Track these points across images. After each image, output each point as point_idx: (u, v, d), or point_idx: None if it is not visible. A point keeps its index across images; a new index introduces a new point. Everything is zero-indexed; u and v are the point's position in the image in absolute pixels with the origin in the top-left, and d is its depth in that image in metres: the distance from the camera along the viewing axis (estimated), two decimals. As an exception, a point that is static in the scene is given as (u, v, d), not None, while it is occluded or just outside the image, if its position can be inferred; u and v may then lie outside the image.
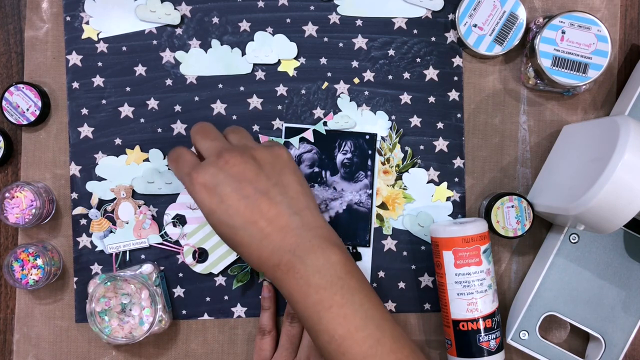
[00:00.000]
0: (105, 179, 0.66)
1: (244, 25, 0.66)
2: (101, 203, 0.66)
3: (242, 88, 0.66)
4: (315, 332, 0.51)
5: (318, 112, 0.66)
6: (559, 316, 0.63)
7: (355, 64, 0.66)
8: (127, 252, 0.66)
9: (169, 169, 0.65)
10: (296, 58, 0.66)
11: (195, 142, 0.56)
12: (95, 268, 0.66)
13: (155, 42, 0.66)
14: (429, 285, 0.66)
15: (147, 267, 0.64)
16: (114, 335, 0.61)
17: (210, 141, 0.55)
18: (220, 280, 0.66)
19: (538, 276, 0.63)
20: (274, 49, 0.66)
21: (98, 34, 0.66)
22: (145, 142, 0.66)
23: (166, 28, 0.66)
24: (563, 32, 0.61)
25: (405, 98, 0.66)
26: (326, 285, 0.50)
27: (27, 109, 0.64)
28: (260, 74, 0.66)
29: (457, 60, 0.66)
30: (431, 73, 0.66)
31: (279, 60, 0.66)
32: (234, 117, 0.66)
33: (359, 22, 0.66)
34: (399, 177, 0.66)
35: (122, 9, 0.66)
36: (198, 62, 0.66)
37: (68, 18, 0.66)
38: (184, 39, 0.66)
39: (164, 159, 0.66)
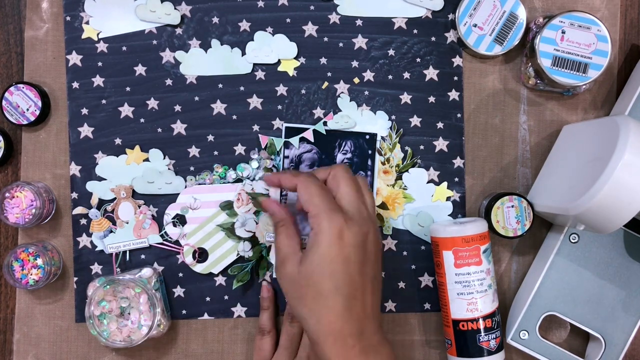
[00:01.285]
0: (105, 179, 0.66)
1: (244, 25, 0.66)
2: (101, 203, 0.66)
3: (242, 88, 0.66)
4: None
5: (318, 112, 0.66)
6: (559, 316, 0.63)
7: (355, 63, 0.66)
8: (127, 252, 0.66)
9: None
10: (296, 58, 0.66)
11: (342, 186, 0.55)
12: (95, 268, 0.66)
13: (155, 42, 0.66)
14: (429, 285, 0.66)
15: (147, 271, 0.64)
16: (112, 338, 0.61)
17: (358, 199, 0.55)
18: (220, 280, 0.66)
19: (538, 276, 0.63)
20: (274, 49, 0.66)
21: (98, 34, 0.66)
22: (145, 142, 0.66)
23: (166, 28, 0.66)
24: (563, 32, 0.61)
25: (405, 98, 0.66)
26: None
27: (27, 109, 0.64)
28: (260, 74, 0.66)
29: (457, 60, 0.66)
30: (431, 73, 0.66)
31: (279, 60, 0.66)
32: (234, 117, 0.66)
33: (359, 22, 0.66)
34: (399, 177, 0.66)
35: (122, 9, 0.66)
36: (198, 62, 0.66)
37: (68, 18, 0.66)
38: (184, 39, 0.66)
39: (164, 158, 0.66)
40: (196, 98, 0.66)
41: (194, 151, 0.66)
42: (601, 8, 0.66)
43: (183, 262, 0.66)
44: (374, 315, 0.54)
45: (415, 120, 0.66)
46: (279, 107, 0.66)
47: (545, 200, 0.61)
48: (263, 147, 0.66)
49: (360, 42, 0.66)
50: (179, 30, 0.66)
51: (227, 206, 0.66)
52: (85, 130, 0.66)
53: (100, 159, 0.66)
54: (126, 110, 0.66)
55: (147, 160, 0.66)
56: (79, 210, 0.66)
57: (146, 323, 0.61)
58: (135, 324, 0.61)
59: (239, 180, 0.66)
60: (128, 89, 0.66)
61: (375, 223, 0.56)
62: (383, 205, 0.66)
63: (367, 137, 0.66)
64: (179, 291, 0.66)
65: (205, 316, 0.66)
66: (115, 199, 0.66)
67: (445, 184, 0.66)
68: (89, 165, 0.66)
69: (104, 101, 0.66)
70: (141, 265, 0.66)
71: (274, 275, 0.66)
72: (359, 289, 0.53)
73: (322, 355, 0.52)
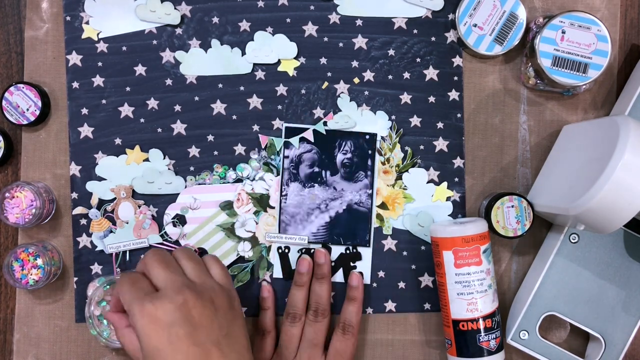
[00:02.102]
0: (105, 179, 0.66)
1: (244, 25, 0.66)
2: (101, 203, 0.66)
3: (242, 88, 0.66)
4: None
5: (318, 112, 0.66)
6: (559, 316, 0.63)
7: (355, 63, 0.66)
8: (127, 252, 0.66)
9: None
10: (296, 58, 0.66)
11: (151, 270, 0.52)
12: (95, 268, 0.66)
13: (155, 42, 0.66)
14: (429, 285, 0.66)
15: (147, 268, 0.64)
16: (112, 338, 0.61)
17: (169, 273, 0.52)
18: (220, 280, 0.66)
19: (538, 276, 0.63)
20: (274, 49, 0.66)
21: (98, 34, 0.66)
22: (145, 142, 0.66)
23: (166, 28, 0.66)
24: (563, 32, 0.61)
25: (405, 98, 0.66)
26: None
27: (27, 109, 0.65)
28: (260, 74, 0.66)
29: (457, 60, 0.66)
30: (431, 73, 0.66)
31: (279, 60, 0.66)
32: (234, 117, 0.66)
33: (359, 22, 0.66)
34: (399, 177, 0.66)
35: (122, 9, 0.66)
36: (198, 62, 0.66)
37: (68, 18, 0.66)
38: (184, 39, 0.66)
39: (164, 158, 0.66)
40: (196, 98, 0.66)
41: (194, 151, 0.66)
42: (601, 8, 0.66)
43: (183, 262, 0.66)
44: None
45: (415, 120, 0.66)
46: (279, 107, 0.66)
47: (545, 200, 0.61)
48: (263, 147, 0.66)
49: (360, 42, 0.66)
50: (179, 30, 0.66)
51: (227, 206, 0.66)
52: (85, 130, 0.66)
53: (100, 159, 0.66)
54: (126, 110, 0.66)
55: (147, 160, 0.66)
56: (79, 210, 0.66)
57: (146, 323, 0.61)
58: (135, 324, 0.61)
59: (239, 180, 0.66)
60: (128, 89, 0.66)
61: (201, 284, 0.52)
62: (383, 205, 0.66)
63: (367, 137, 0.66)
64: (179, 291, 0.66)
65: (205, 316, 0.66)
66: (115, 199, 0.66)
67: (445, 184, 0.66)
68: (89, 165, 0.66)
69: (104, 101, 0.66)
70: (141, 265, 0.66)
71: (274, 275, 0.66)
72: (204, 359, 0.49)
73: None
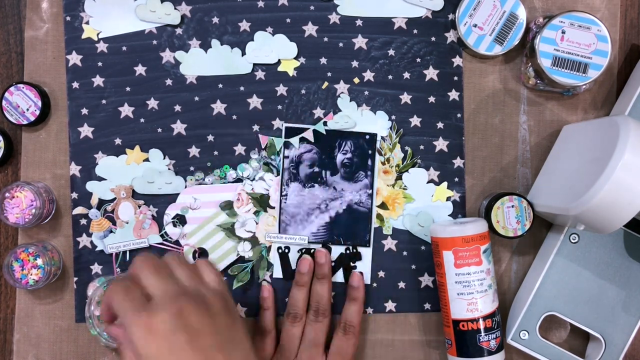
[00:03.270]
0: (105, 179, 0.66)
1: (244, 25, 0.66)
2: (101, 203, 0.66)
3: (242, 88, 0.66)
4: None
5: (318, 112, 0.66)
6: (559, 316, 0.63)
7: (355, 64, 0.66)
8: (127, 252, 0.66)
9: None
10: (296, 58, 0.66)
11: (143, 277, 0.50)
12: (95, 268, 0.66)
13: (155, 42, 0.66)
14: (429, 285, 0.66)
15: (147, 268, 0.64)
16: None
17: (162, 280, 0.49)
18: (220, 280, 0.66)
19: (538, 276, 0.63)
20: (274, 49, 0.66)
21: (98, 34, 0.66)
22: (145, 142, 0.66)
23: (166, 28, 0.66)
24: (563, 32, 0.61)
25: (405, 98, 0.66)
26: None
27: (27, 109, 0.65)
28: (260, 74, 0.66)
29: (457, 60, 0.66)
30: (431, 73, 0.66)
31: (279, 60, 0.66)
32: (234, 117, 0.66)
33: (359, 22, 0.66)
34: (399, 177, 0.66)
35: (122, 9, 0.66)
36: (198, 62, 0.66)
37: (68, 18, 0.66)
38: (184, 39, 0.66)
39: (164, 158, 0.66)
40: (196, 98, 0.66)
41: (194, 151, 0.66)
42: (601, 8, 0.66)
43: (183, 262, 0.66)
44: None
45: (415, 120, 0.66)
46: (279, 107, 0.66)
47: (545, 200, 0.61)
48: (263, 147, 0.66)
49: (360, 42, 0.66)
50: (179, 30, 0.66)
51: (227, 206, 0.66)
52: (85, 130, 0.66)
53: (100, 159, 0.66)
54: (126, 110, 0.66)
55: (147, 160, 0.66)
56: (79, 210, 0.66)
57: (146, 323, 0.61)
58: (135, 324, 0.61)
59: (239, 180, 0.66)
60: (128, 89, 0.66)
61: (195, 290, 0.50)
62: (383, 205, 0.66)
63: (367, 137, 0.66)
64: (179, 291, 0.66)
65: (205, 316, 0.66)
66: (115, 199, 0.66)
67: (445, 184, 0.66)
68: (89, 165, 0.66)
69: (104, 101, 0.66)
70: (141, 265, 0.66)
71: (274, 275, 0.66)
72: None
73: None
